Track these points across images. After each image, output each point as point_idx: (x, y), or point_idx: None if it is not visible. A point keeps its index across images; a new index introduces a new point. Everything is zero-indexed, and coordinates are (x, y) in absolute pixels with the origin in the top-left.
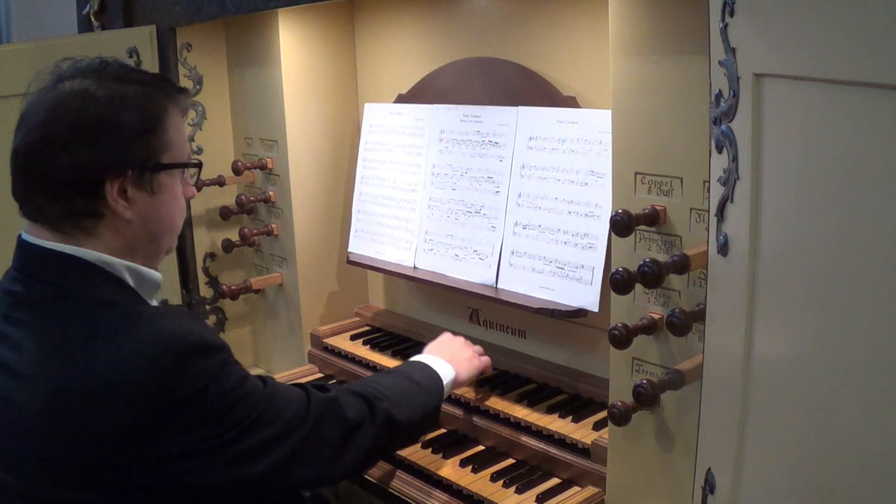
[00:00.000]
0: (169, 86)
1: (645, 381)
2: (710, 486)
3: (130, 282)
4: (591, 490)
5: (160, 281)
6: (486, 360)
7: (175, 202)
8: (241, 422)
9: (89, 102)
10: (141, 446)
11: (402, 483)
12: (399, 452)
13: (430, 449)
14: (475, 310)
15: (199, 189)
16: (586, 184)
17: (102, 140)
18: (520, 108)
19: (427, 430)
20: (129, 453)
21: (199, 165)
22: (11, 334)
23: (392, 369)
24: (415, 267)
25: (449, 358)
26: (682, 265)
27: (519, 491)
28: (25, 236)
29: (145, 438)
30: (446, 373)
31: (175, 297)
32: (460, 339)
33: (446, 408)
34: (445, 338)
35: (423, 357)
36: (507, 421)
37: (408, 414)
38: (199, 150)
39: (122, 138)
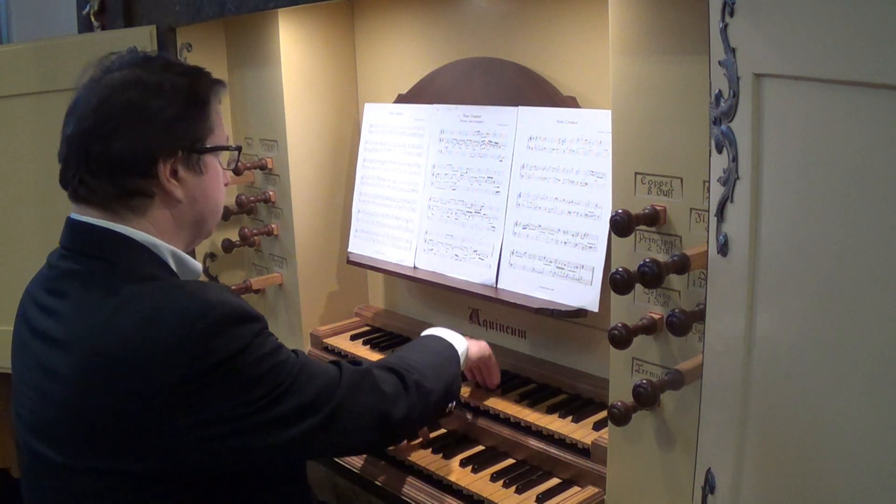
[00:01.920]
0: (209, 76)
1: (645, 381)
2: (710, 486)
3: (173, 266)
4: (591, 490)
5: (200, 271)
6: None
7: (219, 183)
8: (275, 388)
9: (141, 88)
10: (178, 411)
11: (402, 483)
12: (399, 452)
13: (431, 449)
14: (475, 310)
15: (239, 173)
16: (586, 184)
17: (155, 123)
18: (520, 108)
19: (448, 401)
20: (167, 419)
21: (239, 149)
22: (54, 305)
23: (409, 343)
24: (415, 267)
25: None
26: (682, 265)
27: (519, 491)
28: (74, 216)
29: (182, 403)
30: (459, 343)
31: None
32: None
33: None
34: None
35: (435, 330)
36: (507, 421)
37: (435, 383)
38: None
39: (173, 120)
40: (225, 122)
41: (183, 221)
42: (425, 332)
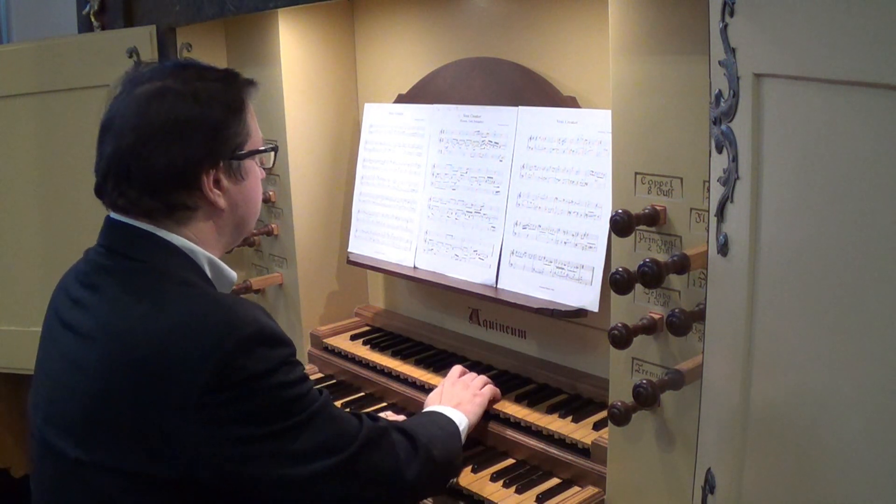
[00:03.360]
0: (241, 79)
1: (645, 381)
2: (710, 486)
3: (209, 272)
4: (591, 490)
5: (235, 279)
6: (489, 390)
7: (258, 186)
8: (290, 420)
9: (178, 101)
10: (192, 422)
11: None
12: None
13: None
14: (475, 310)
15: (269, 171)
16: (586, 184)
17: (196, 135)
18: (520, 108)
19: (452, 476)
20: (180, 428)
21: (276, 149)
22: (85, 298)
23: (416, 416)
24: (415, 267)
25: (455, 404)
26: (682, 265)
27: (519, 491)
28: (115, 216)
29: (197, 415)
30: (460, 420)
31: None
32: (458, 381)
33: None
34: (445, 384)
35: (433, 408)
36: (507, 421)
37: (441, 455)
38: None
39: (213, 131)
40: None
41: (224, 229)
42: (427, 409)
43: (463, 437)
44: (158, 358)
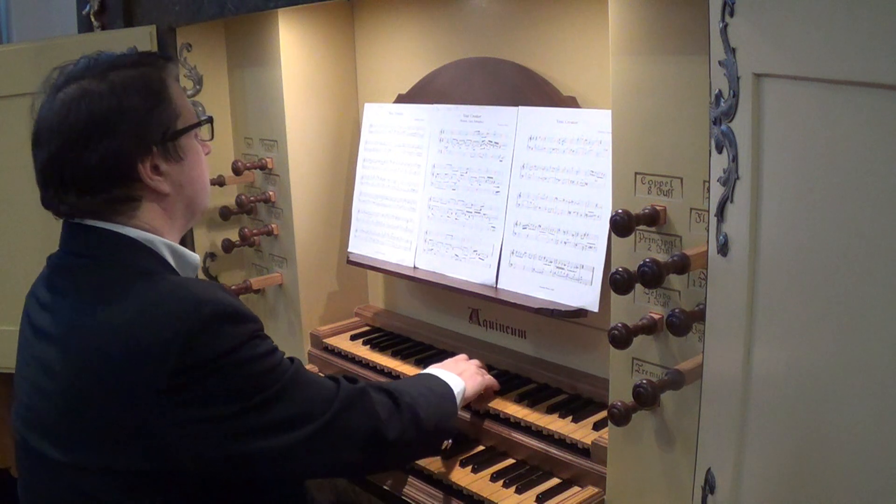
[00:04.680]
0: (157, 58)
1: (645, 381)
2: (710, 486)
3: (170, 259)
4: (591, 490)
5: (198, 263)
6: (490, 378)
7: (200, 161)
8: (264, 393)
9: (96, 99)
10: (167, 409)
11: (402, 483)
12: None
13: None
14: (475, 310)
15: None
16: (586, 184)
17: (120, 127)
18: (520, 108)
19: (443, 437)
20: (156, 417)
21: (211, 120)
22: (50, 301)
23: (405, 378)
24: (415, 267)
25: (456, 372)
26: (682, 265)
27: (519, 491)
28: (66, 220)
29: (169, 400)
30: (456, 383)
31: None
32: (462, 360)
33: None
34: (448, 360)
35: (431, 370)
36: (507, 421)
37: (428, 414)
38: None
39: (138, 120)
40: (225, 122)
41: (174, 211)
42: (423, 371)
43: (458, 401)
44: (123, 350)
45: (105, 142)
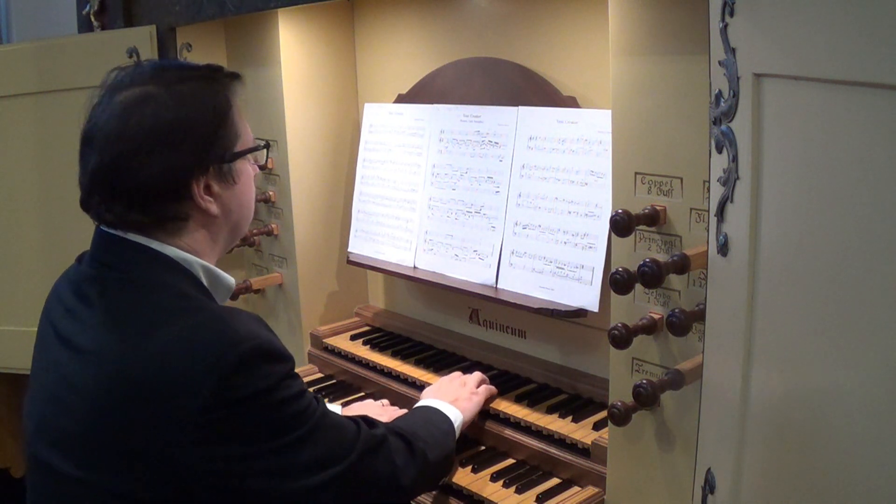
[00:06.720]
0: (226, 75)
1: (645, 381)
2: (710, 486)
3: (204, 281)
4: (591, 490)
5: (233, 285)
6: (486, 389)
7: (251, 186)
8: (292, 434)
9: (161, 107)
10: (194, 442)
11: None
12: None
13: None
14: (475, 310)
15: (263, 168)
16: (586, 184)
17: (183, 142)
18: (520, 108)
19: (444, 475)
20: (182, 449)
21: (268, 146)
22: (79, 310)
23: (412, 412)
24: (415, 267)
25: (451, 400)
26: (682, 265)
27: (519, 491)
28: (105, 227)
29: (199, 434)
30: (455, 416)
31: None
32: (456, 380)
33: None
34: (443, 381)
35: (428, 402)
36: (507, 421)
37: (435, 455)
38: None
39: (200, 136)
40: None
41: (218, 235)
42: (419, 404)
43: (457, 433)
44: (155, 379)
45: (164, 155)
